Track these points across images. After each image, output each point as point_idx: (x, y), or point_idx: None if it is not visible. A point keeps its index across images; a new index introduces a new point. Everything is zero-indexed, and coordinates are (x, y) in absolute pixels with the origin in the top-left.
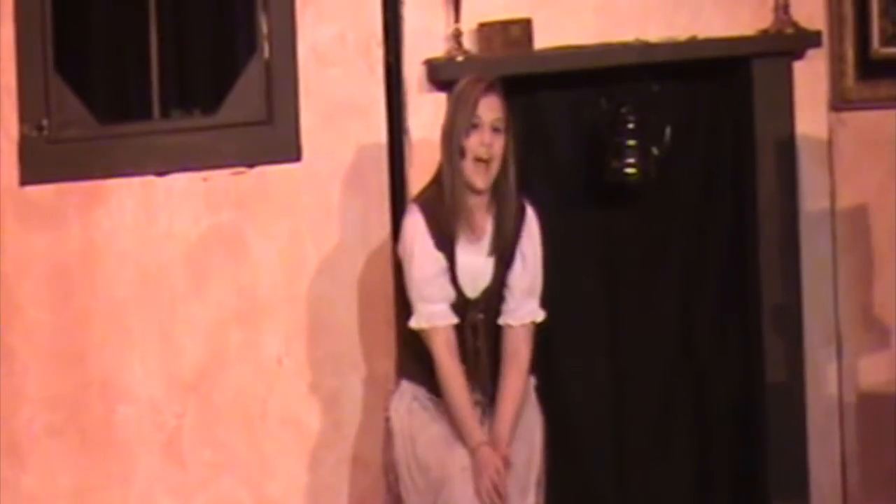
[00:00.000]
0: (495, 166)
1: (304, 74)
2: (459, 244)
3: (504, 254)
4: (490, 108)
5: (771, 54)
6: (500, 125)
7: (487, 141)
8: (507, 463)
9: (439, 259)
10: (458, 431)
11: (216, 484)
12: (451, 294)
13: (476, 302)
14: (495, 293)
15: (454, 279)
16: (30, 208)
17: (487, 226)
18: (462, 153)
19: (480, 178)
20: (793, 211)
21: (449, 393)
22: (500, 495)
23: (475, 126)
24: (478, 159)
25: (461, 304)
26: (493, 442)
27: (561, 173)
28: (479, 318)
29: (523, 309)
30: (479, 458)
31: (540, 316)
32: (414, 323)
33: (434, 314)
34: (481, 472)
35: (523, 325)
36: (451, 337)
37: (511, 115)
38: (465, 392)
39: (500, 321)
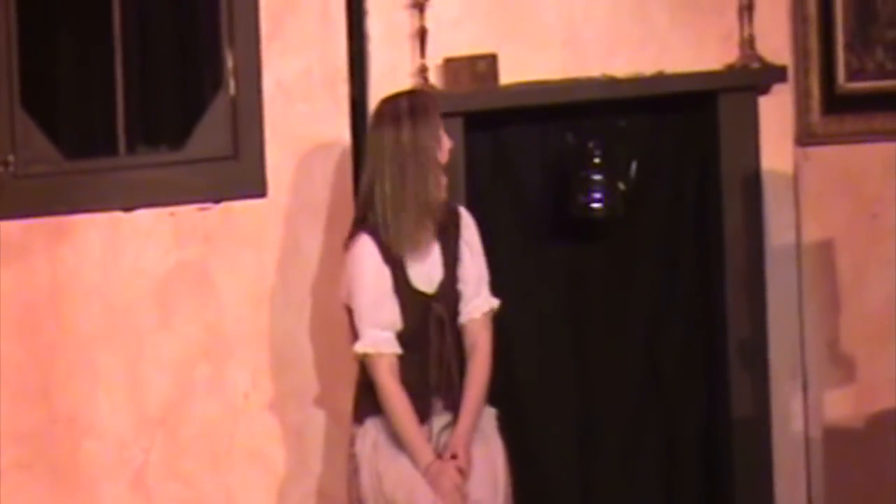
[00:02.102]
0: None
1: (270, 110)
2: (409, 263)
3: (448, 251)
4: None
5: (737, 89)
6: None
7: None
8: (465, 470)
9: (387, 279)
10: (410, 452)
11: None
12: (397, 322)
13: (436, 296)
14: (450, 287)
15: (409, 284)
16: None
17: (433, 242)
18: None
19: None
20: (758, 245)
21: (394, 416)
22: (462, 497)
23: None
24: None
25: (422, 303)
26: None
27: (527, 208)
28: (441, 311)
29: (479, 298)
30: (433, 471)
31: (495, 303)
32: (359, 348)
33: (380, 340)
34: (440, 480)
35: (483, 314)
36: (394, 363)
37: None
38: (410, 414)
39: (461, 319)
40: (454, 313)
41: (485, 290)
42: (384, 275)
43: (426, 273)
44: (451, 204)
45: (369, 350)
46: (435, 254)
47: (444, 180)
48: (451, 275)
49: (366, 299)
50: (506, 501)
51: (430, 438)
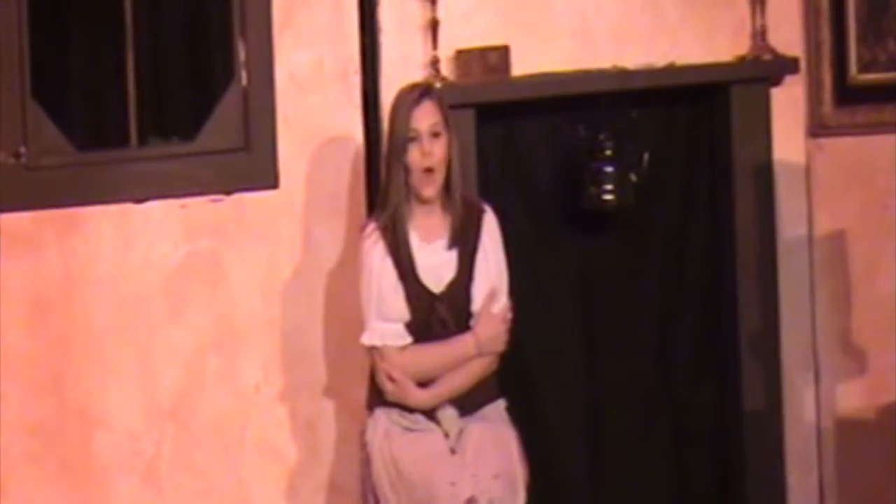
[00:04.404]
0: (440, 171)
1: (282, 101)
2: (416, 246)
3: (466, 250)
4: (425, 116)
5: (749, 80)
6: (439, 129)
7: (427, 150)
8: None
9: (392, 270)
10: (461, 360)
11: None
12: (405, 314)
13: (441, 296)
14: (461, 288)
15: (417, 279)
16: (7, 236)
17: (444, 225)
18: (406, 168)
19: (427, 188)
20: (770, 237)
21: (424, 360)
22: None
23: (413, 139)
24: (423, 170)
25: (426, 301)
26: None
27: (538, 200)
28: (445, 313)
29: (493, 307)
30: (481, 328)
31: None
32: (367, 340)
33: (386, 333)
34: (490, 321)
35: None
36: None
37: (449, 115)
38: (430, 345)
39: (473, 323)
40: (463, 314)
41: (502, 298)
42: (390, 266)
43: (435, 269)
44: (476, 201)
45: (376, 342)
46: (449, 252)
47: (455, 174)
48: (464, 276)
49: (371, 290)
50: (521, 486)
51: (442, 432)
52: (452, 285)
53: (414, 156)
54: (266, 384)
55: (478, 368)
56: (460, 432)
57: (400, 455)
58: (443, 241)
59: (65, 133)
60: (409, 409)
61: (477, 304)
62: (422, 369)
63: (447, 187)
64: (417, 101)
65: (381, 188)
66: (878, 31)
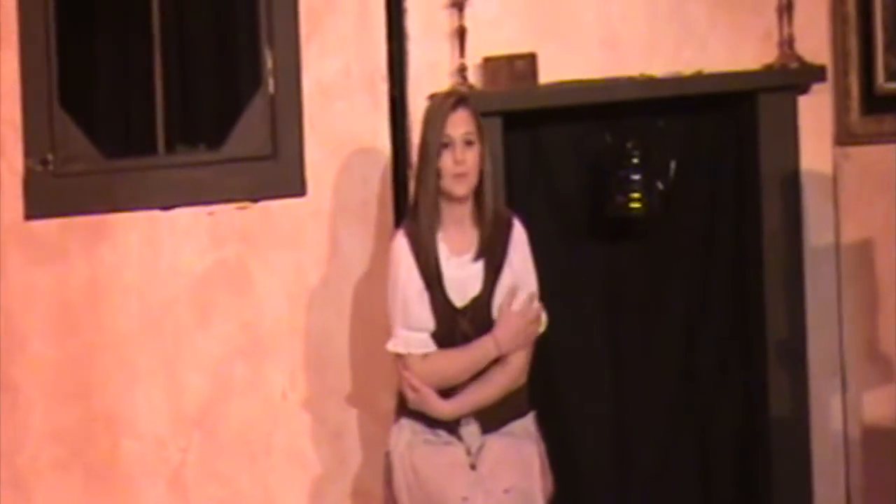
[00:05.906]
0: (473, 175)
1: (309, 109)
2: (444, 257)
3: (492, 263)
4: (459, 124)
5: (776, 89)
6: (472, 137)
7: (460, 157)
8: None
9: (419, 280)
10: (483, 362)
11: None
12: (430, 323)
13: (464, 311)
14: (484, 303)
15: (442, 291)
16: (34, 242)
17: (474, 238)
18: (438, 174)
19: (459, 186)
20: (797, 245)
21: (448, 364)
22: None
23: (446, 145)
24: (455, 175)
25: (449, 315)
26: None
27: (565, 207)
28: (468, 327)
29: None
30: (500, 329)
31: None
32: (392, 346)
33: (411, 341)
34: (509, 320)
35: None
36: None
37: (482, 126)
38: (456, 350)
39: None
40: (487, 329)
41: (521, 295)
42: (416, 274)
43: (461, 282)
44: (507, 214)
45: (400, 350)
46: (476, 265)
47: (487, 186)
48: (488, 291)
49: (397, 298)
50: (539, 501)
51: (464, 447)
52: (476, 301)
53: (446, 162)
54: (293, 391)
55: (503, 381)
56: (481, 447)
57: (419, 465)
58: (471, 255)
59: (92, 141)
60: (432, 423)
61: (496, 309)
62: (445, 376)
63: (478, 199)
64: (453, 108)
65: (412, 196)
66: None
